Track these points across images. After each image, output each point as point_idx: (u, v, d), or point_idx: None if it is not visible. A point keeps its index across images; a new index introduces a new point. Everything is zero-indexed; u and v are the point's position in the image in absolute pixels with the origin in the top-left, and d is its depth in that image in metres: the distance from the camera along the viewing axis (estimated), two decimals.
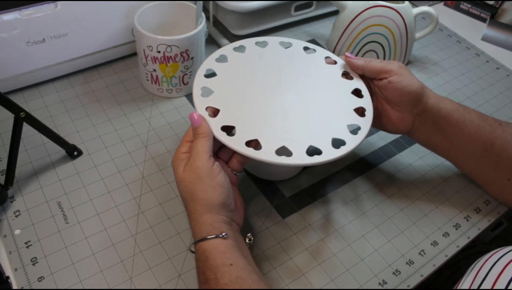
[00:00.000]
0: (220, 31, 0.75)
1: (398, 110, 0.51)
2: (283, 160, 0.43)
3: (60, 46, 0.61)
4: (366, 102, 0.50)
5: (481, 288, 0.38)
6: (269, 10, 0.74)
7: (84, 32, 0.61)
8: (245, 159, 0.46)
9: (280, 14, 0.76)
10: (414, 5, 0.73)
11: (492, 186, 0.54)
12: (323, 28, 0.81)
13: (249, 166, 0.55)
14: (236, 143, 0.43)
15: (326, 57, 0.54)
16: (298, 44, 0.56)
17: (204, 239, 0.40)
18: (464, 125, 0.50)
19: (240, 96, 0.48)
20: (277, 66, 0.52)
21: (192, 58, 0.60)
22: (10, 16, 0.55)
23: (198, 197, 0.41)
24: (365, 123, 0.48)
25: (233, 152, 0.47)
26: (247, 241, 0.46)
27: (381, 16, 0.68)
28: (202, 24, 0.60)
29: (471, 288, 0.39)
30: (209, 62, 0.51)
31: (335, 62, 0.54)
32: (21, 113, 0.47)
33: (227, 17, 0.72)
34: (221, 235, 0.40)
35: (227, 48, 0.53)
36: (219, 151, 0.47)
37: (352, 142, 0.45)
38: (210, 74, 0.50)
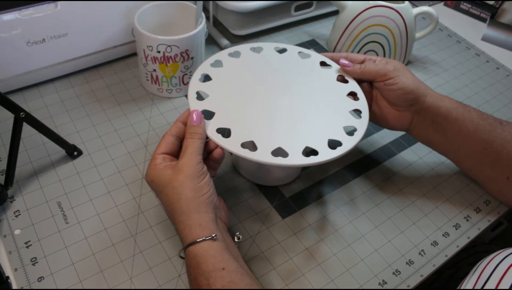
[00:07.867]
0: (220, 31, 0.75)
1: (396, 108, 0.52)
2: (279, 161, 0.43)
3: (60, 46, 0.61)
4: (362, 104, 0.50)
5: (484, 288, 0.38)
6: (269, 10, 0.74)
7: (84, 32, 0.61)
8: (218, 164, 0.46)
9: (280, 14, 0.76)
10: (414, 5, 0.73)
11: (491, 184, 0.54)
12: (323, 28, 0.81)
13: (248, 173, 0.55)
14: (231, 144, 0.44)
15: (321, 62, 0.55)
16: (293, 49, 0.56)
17: (195, 242, 0.39)
18: (463, 123, 0.50)
19: (235, 100, 0.48)
20: (272, 70, 0.53)
21: (192, 58, 0.60)
22: (10, 16, 0.55)
23: (185, 196, 0.41)
24: (361, 124, 0.48)
25: (208, 158, 0.46)
26: (235, 239, 0.44)
27: (381, 16, 0.68)
28: (202, 24, 0.60)
29: (475, 288, 0.39)
30: (204, 67, 0.51)
31: (330, 66, 0.54)
32: (21, 113, 0.47)
33: (227, 17, 0.72)
34: (210, 237, 0.39)
35: (222, 54, 0.54)
36: None
37: (348, 143, 0.45)
38: (205, 79, 0.50)
